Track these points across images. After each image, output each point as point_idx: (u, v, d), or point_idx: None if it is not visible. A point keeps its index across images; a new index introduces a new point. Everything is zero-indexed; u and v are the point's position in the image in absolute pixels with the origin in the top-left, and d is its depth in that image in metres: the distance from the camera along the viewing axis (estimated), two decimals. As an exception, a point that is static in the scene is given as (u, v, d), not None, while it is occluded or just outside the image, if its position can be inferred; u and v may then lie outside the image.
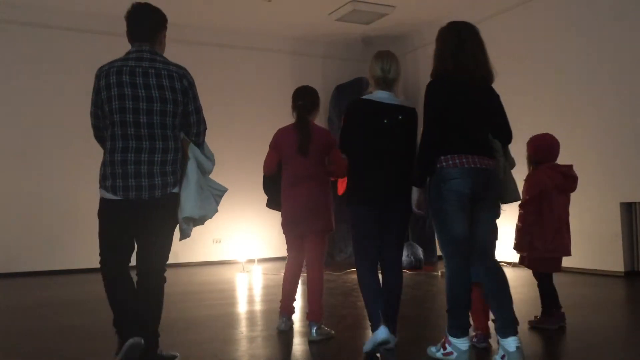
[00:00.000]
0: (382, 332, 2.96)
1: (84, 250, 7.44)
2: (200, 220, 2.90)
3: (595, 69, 6.13)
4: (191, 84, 2.84)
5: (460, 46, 2.87)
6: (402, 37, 8.97)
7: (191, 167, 2.82)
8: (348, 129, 3.21)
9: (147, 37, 2.81)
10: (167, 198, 2.77)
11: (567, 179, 3.61)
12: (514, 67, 7.07)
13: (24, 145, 7.30)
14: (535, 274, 3.78)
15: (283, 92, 4.41)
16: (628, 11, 5.83)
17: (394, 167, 3.14)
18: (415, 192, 3.02)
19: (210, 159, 2.97)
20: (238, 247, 7.80)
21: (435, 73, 2.95)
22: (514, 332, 2.75)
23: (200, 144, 2.92)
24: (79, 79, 7.64)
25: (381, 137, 3.12)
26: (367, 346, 3.03)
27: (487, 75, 2.92)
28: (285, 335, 3.60)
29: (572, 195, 6.25)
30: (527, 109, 6.88)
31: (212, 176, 3.02)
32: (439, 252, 6.07)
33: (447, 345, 2.89)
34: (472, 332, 3.17)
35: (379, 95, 3.14)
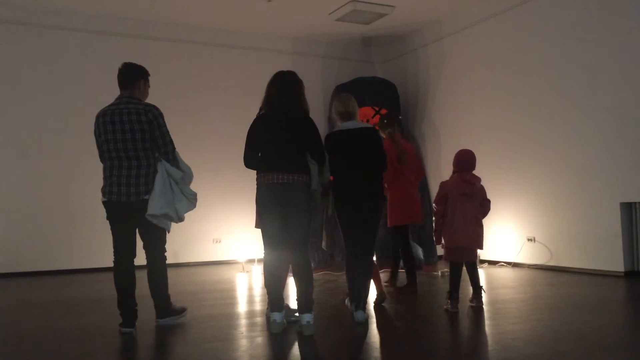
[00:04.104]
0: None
1: (84, 250, 7.45)
2: (169, 217, 3.72)
3: (595, 69, 6.13)
4: (155, 116, 3.75)
5: (277, 91, 3.68)
6: (402, 37, 8.97)
7: (157, 178, 3.71)
8: (332, 155, 3.96)
9: (127, 86, 3.87)
10: (141, 203, 3.68)
11: (469, 186, 4.28)
12: (512, 67, 7.09)
13: (24, 145, 7.29)
14: (450, 263, 4.39)
15: (283, 92, 4.41)
16: (627, 11, 5.83)
17: (364, 172, 4.00)
18: None
19: (184, 169, 3.83)
20: (238, 247, 7.79)
21: (260, 113, 3.75)
22: (310, 311, 3.54)
23: (170, 160, 3.79)
24: (80, 80, 7.65)
25: (355, 153, 4.00)
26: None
27: (298, 112, 3.67)
28: (285, 335, 3.61)
29: (572, 195, 6.34)
30: (527, 109, 6.89)
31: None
32: (439, 252, 6.07)
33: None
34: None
35: (346, 125, 4.07)
